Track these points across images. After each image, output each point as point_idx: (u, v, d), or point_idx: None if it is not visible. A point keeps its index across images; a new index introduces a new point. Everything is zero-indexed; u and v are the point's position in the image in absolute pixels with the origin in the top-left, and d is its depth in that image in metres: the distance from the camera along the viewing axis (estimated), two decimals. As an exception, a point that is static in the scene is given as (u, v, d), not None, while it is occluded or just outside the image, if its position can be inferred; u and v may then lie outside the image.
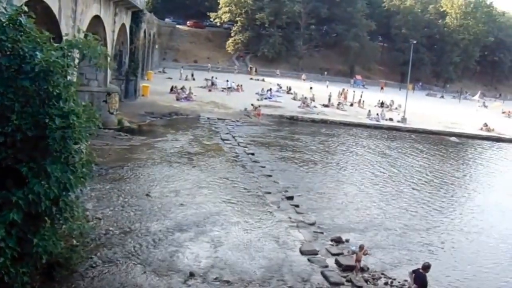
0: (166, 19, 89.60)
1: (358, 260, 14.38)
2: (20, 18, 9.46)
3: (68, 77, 10.26)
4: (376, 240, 17.50)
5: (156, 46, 67.52)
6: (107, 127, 27.43)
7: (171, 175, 22.03)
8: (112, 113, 30.18)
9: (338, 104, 53.22)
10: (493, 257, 17.41)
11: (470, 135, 46.43)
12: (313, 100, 52.96)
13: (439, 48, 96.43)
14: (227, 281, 12.97)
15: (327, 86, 67.99)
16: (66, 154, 9.92)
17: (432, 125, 47.76)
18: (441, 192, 25.51)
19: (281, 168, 26.10)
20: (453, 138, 43.83)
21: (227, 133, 33.05)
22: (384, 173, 28.21)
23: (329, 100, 54.10)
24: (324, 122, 43.80)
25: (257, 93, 53.88)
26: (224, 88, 55.35)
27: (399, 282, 14.33)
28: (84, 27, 22.32)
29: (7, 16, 9.41)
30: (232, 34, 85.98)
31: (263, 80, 69.93)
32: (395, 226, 19.09)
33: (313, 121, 43.61)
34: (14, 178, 9.38)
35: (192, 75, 62.10)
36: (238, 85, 57.38)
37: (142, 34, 43.90)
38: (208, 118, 38.03)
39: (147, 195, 18.89)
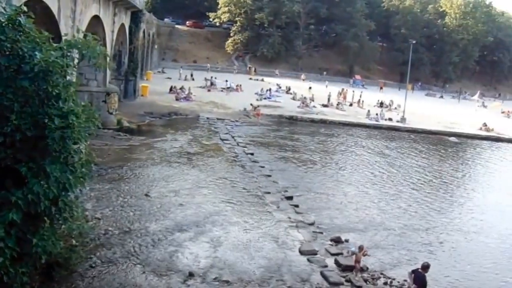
0: (165, 19, 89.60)
1: (357, 261, 14.37)
2: (19, 18, 9.46)
3: (68, 77, 10.26)
4: (376, 240, 17.51)
5: (155, 46, 67.52)
6: (106, 127, 27.46)
7: (171, 175, 22.03)
8: (111, 113, 30.19)
9: (337, 104, 53.23)
10: (493, 257, 17.42)
11: (469, 135, 46.44)
12: (313, 100, 52.96)
13: (439, 48, 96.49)
14: (227, 281, 12.97)
15: (327, 86, 68.02)
16: (66, 154, 9.91)
17: (432, 125, 47.77)
18: (440, 192, 25.53)
19: (281, 168, 26.11)
20: (452, 138, 43.84)
21: (227, 133, 33.05)
22: (383, 173, 28.22)
23: (329, 100, 54.10)
24: (323, 122, 43.79)
25: (256, 93, 53.87)
26: (224, 88, 55.36)
27: (398, 282, 14.34)
28: (83, 27, 22.31)
29: (6, 16, 9.41)
30: (231, 34, 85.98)
31: (262, 80, 69.92)
32: (395, 226, 19.10)
33: (313, 121, 43.60)
34: (13, 178, 9.37)
35: (192, 75, 62.10)
36: (237, 85, 57.36)
37: (141, 34, 43.89)
38: (207, 118, 38.02)
39: (146, 195, 18.89)
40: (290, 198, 20.57)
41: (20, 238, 9.29)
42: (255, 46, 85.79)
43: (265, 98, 52.38)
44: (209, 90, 53.92)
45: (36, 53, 9.33)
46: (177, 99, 44.44)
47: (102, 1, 27.27)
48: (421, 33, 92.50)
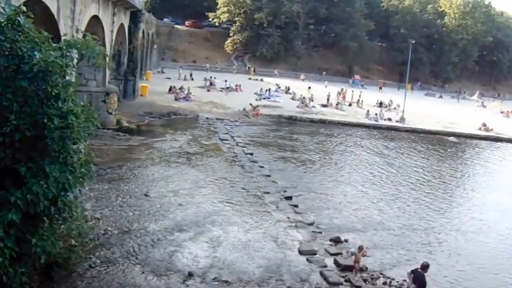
0: (165, 19, 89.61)
1: (357, 261, 14.38)
2: (19, 18, 9.46)
3: (67, 77, 10.26)
4: (375, 240, 17.52)
5: (155, 46, 67.50)
6: (106, 127, 27.44)
7: (170, 175, 22.03)
8: (110, 113, 30.18)
9: (336, 104, 53.21)
10: (492, 257, 17.44)
11: (469, 135, 46.46)
12: (312, 100, 52.98)
13: (438, 48, 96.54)
14: (226, 281, 12.97)
15: (326, 86, 68.05)
16: (65, 154, 9.92)
17: (431, 125, 47.79)
18: (440, 192, 25.54)
19: (280, 168, 26.11)
20: (451, 138, 43.86)
21: (226, 133, 33.04)
22: (382, 173, 28.23)
23: (328, 100, 54.11)
24: (322, 122, 43.80)
25: (255, 93, 53.88)
26: (223, 88, 55.35)
27: (397, 282, 14.35)
28: (82, 27, 22.30)
29: (5, 16, 9.41)
30: (230, 34, 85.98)
31: (261, 80, 69.94)
32: (394, 226, 19.11)
33: (312, 121, 43.60)
34: (12, 178, 9.37)
35: (191, 75, 62.13)
36: (236, 85, 57.36)
37: (140, 34, 43.87)
38: (206, 118, 38.01)
39: (145, 195, 18.89)
40: (289, 198, 20.58)
41: (20, 238, 9.30)
42: (255, 46, 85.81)
43: (264, 98, 52.39)
44: (208, 90, 53.92)
45: (35, 53, 9.33)
46: (176, 99, 44.43)
47: (102, 1, 27.26)
48: (420, 33, 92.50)
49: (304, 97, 53.34)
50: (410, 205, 22.29)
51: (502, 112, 67.79)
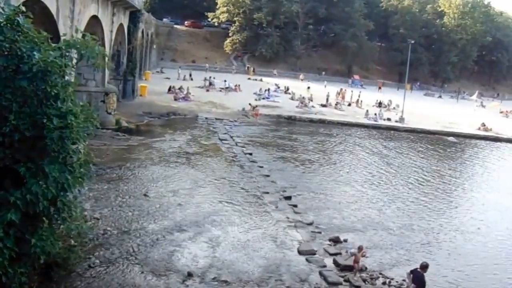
0: (164, 19, 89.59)
1: (356, 261, 14.38)
2: (18, 18, 9.46)
3: (66, 77, 10.26)
4: (374, 240, 17.52)
5: (154, 46, 67.47)
6: (105, 127, 27.46)
7: (169, 175, 22.03)
8: (110, 113, 30.18)
9: (336, 104, 53.20)
10: (491, 257, 17.44)
11: (468, 135, 46.49)
12: (311, 100, 52.99)
13: (437, 48, 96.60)
14: (225, 281, 12.97)
15: (325, 86, 68.02)
16: (64, 154, 9.91)
17: (430, 125, 47.81)
18: (439, 192, 25.56)
19: (279, 168, 26.12)
20: (451, 138, 43.87)
21: (225, 133, 33.04)
22: (382, 173, 28.24)
23: (327, 100, 54.11)
24: (322, 122, 43.80)
25: (255, 93, 53.88)
26: (222, 88, 55.36)
27: (397, 282, 14.36)
28: (82, 27, 22.30)
29: (4, 16, 9.41)
30: (230, 34, 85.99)
31: (261, 80, 69.93)
32: (393, 226, 19.12)
33: (311, 121, 43.61)
34: (12, 178, 9.37)
35: (190, 75, 62.12)
36: (236, 85, 57.38)
37: (140, 34, 43.85)
38: (206, 118, 38.01)
39: (145, 195, 18.89)
40: (288, 198, 20.58)
41: (19, 238, 9.30)
42: (254, 46, 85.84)
43: (263, 98, 52.38)
44: (207, 90, 53.91)
45: (35, 53, 9.32)
46: (175, 99, 44.42)
47: (101, 1, 27.25)
48: (419, 33, 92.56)
49: (303, 97, 53.35)
50: (409, 205, 22.30)
51: (501, 112, 67.85)
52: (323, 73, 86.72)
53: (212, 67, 75.69)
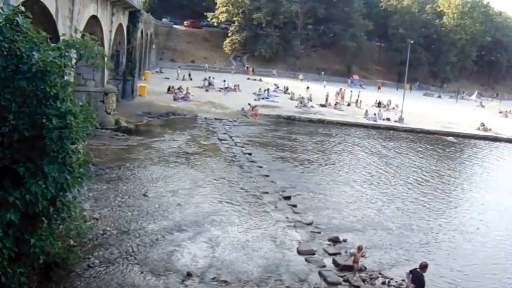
0: (163, 19, 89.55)
1: (356, 261, 14.38)
2: (17, 18, 9.45)
3: (65, 77, 10.25)
4: (374, 240, 17.52)
5: (153, 46, 67.45)
6: (104, 127, 27.50)
7: (169, 175, 22.02)
8: (109, 113, 30.16)
9: (335, 104, 53.21)
10: (490, 257, 17.45)
11: (467, 135, 46.52)
12: (311, 100, 53.00)
13: (436, 48, 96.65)
14: (225, 281, 12.97)
15: (324, 86, 68.05)
16: (63, 154, 9.90)
17: (429, 125, 47.84)
18: (438, 192, 25.57)
19: (279, 168, 26.12)
20: (450, 138, 43.89)
21: (225, 133, 33.04)
22: (381, 173, 28.24)
23: (327, 100, 54.14)
24: (321, 122, 43.81)
25: (254, 93, 53.88)
26: (222, 88, 55.39)
27: (396, 281, 14.36)
28: (81, 27, 22.29)
29: (4, 16, 9.40)
30: (229, 34, 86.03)
31: (260, 80, 69.98)
32: (392, 226, 19.12)
33: (311, 121, 43.62)
34: (11, 178, 9.36)
35: (189, 75, 62.12)
36: (235, 85, 57.40)
37: (139, 34, 43.82)
38: (205, 118, 38.00)
39: (144, 195, 18.89)
40: (288, 198, 20.57)
41: (18, 238, 9.29)
42: (253, 46, 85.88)
43: (263, 98, 52.39)
44: (207, 90, 53.90)
45: (34, 53, 9.32)
46: (175, 99, 44.43)
47: (100, 1, 27.24)
48: (419, 33, 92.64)
49: (302, 97, 53.37)
50: (408, 205, 22.31)
51: (500, 112, 67.90)
52: (323, 73, 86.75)
53: (211, 67, 75.72)
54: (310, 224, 17.97)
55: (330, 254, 15.53)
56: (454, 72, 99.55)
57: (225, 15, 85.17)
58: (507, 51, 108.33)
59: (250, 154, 27.68)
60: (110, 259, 13.37)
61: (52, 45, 10.13)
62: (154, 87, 47.59)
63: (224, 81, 57.67)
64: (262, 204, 19.57)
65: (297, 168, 26.67)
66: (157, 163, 23.78)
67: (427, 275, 12.05)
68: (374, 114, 48.71)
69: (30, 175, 9.23)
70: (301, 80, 76.85)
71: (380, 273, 14.84)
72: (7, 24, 9.34)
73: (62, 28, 19.43)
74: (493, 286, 15.25)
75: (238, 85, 57.58)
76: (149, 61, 62.10)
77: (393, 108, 55.79)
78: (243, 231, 16.57)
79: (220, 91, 54.37)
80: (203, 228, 16.39)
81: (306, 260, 14.90)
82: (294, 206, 19.63)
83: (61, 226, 11.29)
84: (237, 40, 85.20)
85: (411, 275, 11.97)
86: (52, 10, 18.06)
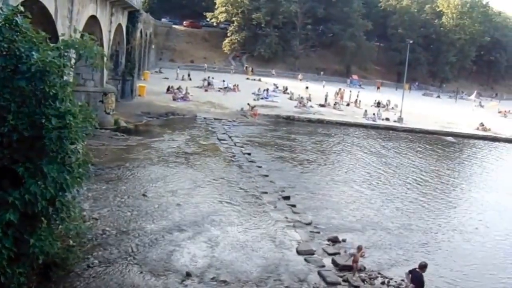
0: (163, 19, 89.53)
1: (355, 261, 14.39)
2: (16, 18, 9.44)
3: (65, 77, 10.24)
4: (373, 240, 17.53)
5: (153, 46, 67.45)
6: (104, 127, 27.50)
7: (168, 175, 22.01)
8: (108, 113, 30.15)
9: (334, 104, 53.23)
10: (489, 256, 17.46)
11: (467, 135, 46.56)
12: (310, 100, 53.03)
13: (436, 48, 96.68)
14: (224, 281, 12.97)
15: (324, 86, 68.04)
16: (63, 154, 9.89)
17: (429, 125, 47.87)
18: (437, 192, 25.58)
19: (278, 168, 26.12)
20: (449, 138, 43.95)
21: (224, 133, 33.04)
22: (380, 173, 28.26)
23: (326, 100, 54.15)
24: (320, 122, 43.82)
25: (253, 93, 53.90)
26: (221, 88, 55.39)
27: (395, 281, 14.36)
28: (80, 27, 22.27)
29: (3, 16, 9.39)
30: (228, 34, 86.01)
31: (259, 80, 70.01)
32: (392, 226, 19.13)
33: (310, 121, 43.63)
34: (10, 179, 9.35)
35: (189, 75, 62.11)
36: (234, 85, 57.40)
37: (138, 34, 43.81)
38: (204, 118, 38.00)
39: (143, 195, 18.88)
40: (287, 198, 20.57)
41: (17, 239, 9.28)
42: (252, 46, 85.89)
43: (262, 98, 52.41)
44: (206, 90, 53.90)
45: (33, 53, 9.30)
46: (174, 99, 44.42)
47: (99, 1, 27.22)
48: (418, 33, 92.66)
49: (302, 97, 53.40)
50: (408, 205, 22.32)
51: (499, 112, 67.98)
52: (322, 73, 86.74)
53: (210, 67, 75.72)
54: (309, 224, 17.98)
55: (330, 254, 15.54)
56: (453, 72, 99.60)
57: (224, 15, 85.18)
58: (506, 51, 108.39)
59: (249, 154, 27.68)
60: (109, 259, 13.37)
61: (51, 45, 10.12)
62: (153, 87, 47.58)
63: (224, 81, 57.70)
64: (261, 204, 19.57)
65: (296, 168, 26.68)
66: (156, 163, 23.78)
67: (426, 275, 12.05)
68: (373, 114, 48.72)
69: (29, 175, 9.23)
70: (300, 80, 76.86)
71: (379, 273, 14.85)
72: (6, 24, 9.33)
73: (61, 28, 19.41)
74: (493, 286, 15.27)
75: (237, 85, 57.59)
76: (148, 61, 62.08)
77: (392, 108, 55.83)
78: (242, 231, 16.58)
79: (219, 91, 54.38)
80: (202, 228, 16.39)
81: (305, 260, 14.90)
82: (293, 206, 19.63)
83: (60, 226, 11.28)
84: (236, 40, 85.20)
85: (410, 275, 11.97)
86: (51, 10, 18.04)
